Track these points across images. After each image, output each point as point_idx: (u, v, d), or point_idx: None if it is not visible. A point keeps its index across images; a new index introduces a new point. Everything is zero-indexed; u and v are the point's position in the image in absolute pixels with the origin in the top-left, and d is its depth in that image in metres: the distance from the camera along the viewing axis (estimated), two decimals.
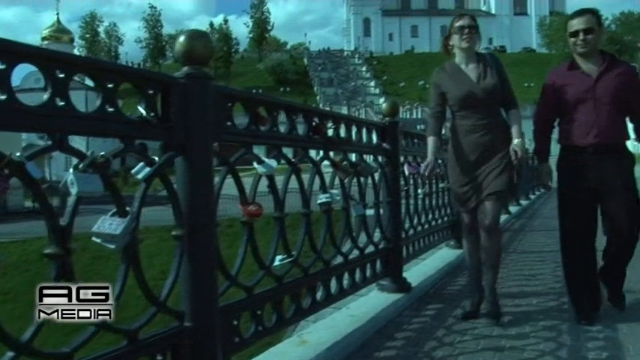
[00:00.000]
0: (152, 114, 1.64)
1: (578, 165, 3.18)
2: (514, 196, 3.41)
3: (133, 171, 1.66)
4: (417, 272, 4.30)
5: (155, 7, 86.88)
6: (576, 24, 3.19)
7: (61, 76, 1.36)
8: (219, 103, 1.88)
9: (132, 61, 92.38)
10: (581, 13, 3.26)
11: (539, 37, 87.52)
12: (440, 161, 4.85)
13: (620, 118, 3.20)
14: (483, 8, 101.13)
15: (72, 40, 69.23)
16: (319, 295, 2.68)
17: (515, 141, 3.19)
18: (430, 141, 3.35)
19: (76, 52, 73.48)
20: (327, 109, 66.35)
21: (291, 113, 2.42)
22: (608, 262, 3.31)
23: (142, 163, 1.66)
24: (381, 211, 3.61)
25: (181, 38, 1.77)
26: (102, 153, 1.46)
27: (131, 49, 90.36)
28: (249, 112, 2.12)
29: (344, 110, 63.29)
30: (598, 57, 3.23)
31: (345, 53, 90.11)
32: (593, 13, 3.25)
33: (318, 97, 74.76)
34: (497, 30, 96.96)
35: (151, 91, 1.66)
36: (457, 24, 3.21)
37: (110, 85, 1.51)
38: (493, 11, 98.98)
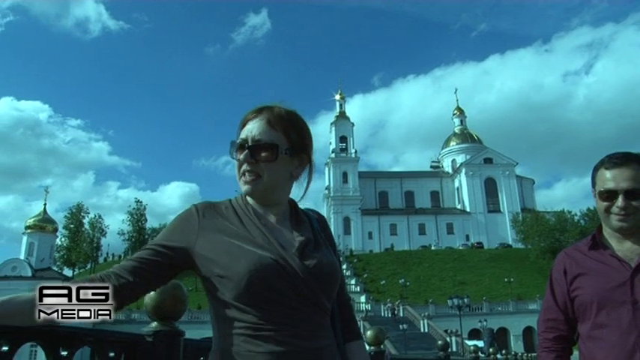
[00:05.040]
0: None
1: None
2: None
3: None
4: None
5: (141, 202, 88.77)
6: (614, 180, 1.96)
7: (5, 348, 1.22)
8: (190, 358, 1.71)
9: (113, 253, 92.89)
10: (623, 161, 1.97)
11: (513, 233, 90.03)
12: None
13: None
14: (458, 206, 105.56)
15: (55, 230, 70.13)
16: None
17: None
18: None
19: (58, 241, 73.84)
20: None
21: None
22: None
23: None
24: None
25: (152, 292, 1.61)
26: None
27: (114, 241, 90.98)
28: None
29: None
30: None
31: None
32: None
33: None
34: (474, 227, 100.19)
35: (112, 354, 1.47)
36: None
37: (64, 353, 1.33)
38: (468, 209, 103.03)
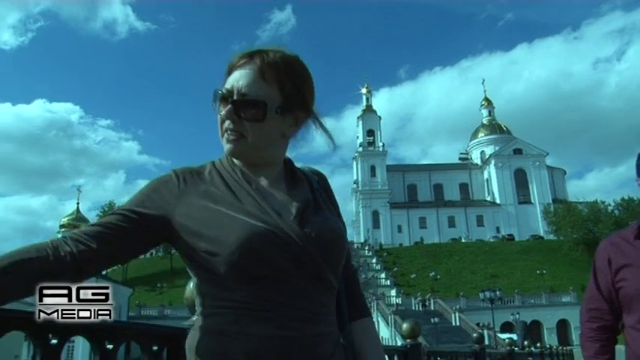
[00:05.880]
0: None
1: None
2: None
3: None
4: None
5: None
6: None
7: (54, 342, 1.22)
8: None
9: None
10: None
11: (545, 225, 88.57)
12: None
13: None
14: (488, 198, 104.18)
15: None
16: None
17: None
18: None
19: None
20: None
21: None
22: None
23: None
24: None
25: (191, 284, 1.65)
26: None
27: None
28: None
29: None
30: None
31: (355, 245, 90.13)
32: None
33: None
34: (504, 219, 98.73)
35: (155, 347, 1.50)
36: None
37: (110, 346, 1.35)
38: (498, 201, 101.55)
